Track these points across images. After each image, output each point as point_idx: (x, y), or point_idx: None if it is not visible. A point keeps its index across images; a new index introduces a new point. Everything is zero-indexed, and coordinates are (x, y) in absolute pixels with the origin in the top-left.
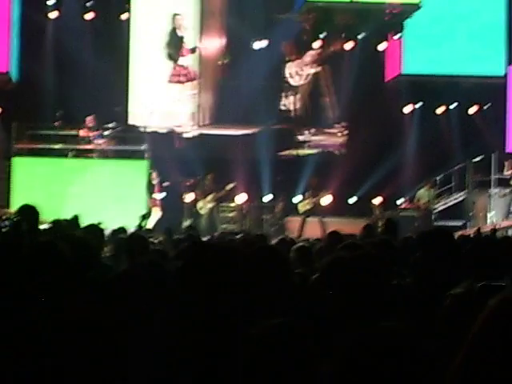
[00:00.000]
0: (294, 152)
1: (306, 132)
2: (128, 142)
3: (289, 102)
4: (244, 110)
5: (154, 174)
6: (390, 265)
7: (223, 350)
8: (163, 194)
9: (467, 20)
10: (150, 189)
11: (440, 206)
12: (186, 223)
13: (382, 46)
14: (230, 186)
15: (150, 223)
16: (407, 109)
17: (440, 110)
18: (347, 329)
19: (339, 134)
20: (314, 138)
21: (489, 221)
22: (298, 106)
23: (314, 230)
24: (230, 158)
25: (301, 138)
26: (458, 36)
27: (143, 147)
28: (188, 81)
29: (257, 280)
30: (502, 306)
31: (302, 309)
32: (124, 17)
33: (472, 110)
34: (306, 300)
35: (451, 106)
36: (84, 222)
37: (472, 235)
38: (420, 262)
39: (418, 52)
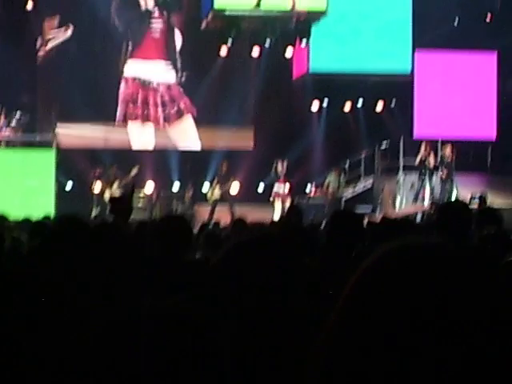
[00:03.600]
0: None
1: None
2: (35, 131)
3: None
4: None
5: (280, 164)
6: (296, 247)
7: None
8: (287, 186)
9: (373, 18)
10: (274, 179)
11: (349, 193)
12: (95, 213)
13: (288, 53)
14: (134, 170)
15: (274, 217)
16: (314, 106)
17: (347, 107)
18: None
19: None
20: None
21: (397, 206)
22: None
23: (224, 217)
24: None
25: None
26: (365, 34)
27: (51, 137)
28: None
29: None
30: (377, 261)
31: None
32: (29, 7)
33: (378, 107)
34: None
35: (357, 103)
36: None
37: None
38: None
39: (325, 50)
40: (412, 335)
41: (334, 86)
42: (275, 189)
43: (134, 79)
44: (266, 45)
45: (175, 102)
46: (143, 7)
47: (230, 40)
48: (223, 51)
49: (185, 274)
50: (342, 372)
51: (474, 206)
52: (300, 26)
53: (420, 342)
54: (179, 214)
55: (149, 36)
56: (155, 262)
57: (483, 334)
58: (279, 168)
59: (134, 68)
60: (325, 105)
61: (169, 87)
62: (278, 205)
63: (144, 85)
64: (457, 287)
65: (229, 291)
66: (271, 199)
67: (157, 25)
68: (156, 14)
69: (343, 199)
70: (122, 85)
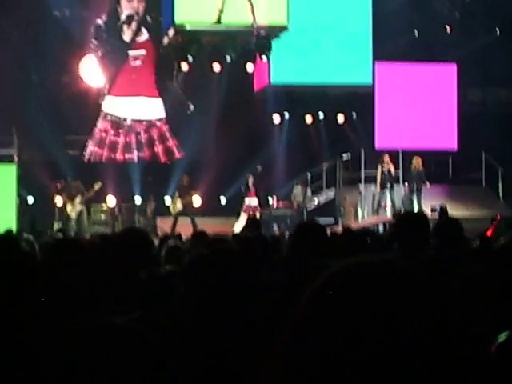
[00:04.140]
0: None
1: None
2: None
3: None
4: None
5: (251, 177)
6: (256, 260)
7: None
8: (255, 200)
9: (333, 30)
10: (243, 192)
11: (311, 204)
12: (56, 226)
13: (250, 67)
14: (98, 185)
15: (236, 229)
16: (276, 118)
17: (308, 119)
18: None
19: None
20: None
21: (359, 217)
22: None
23: (186, 229)
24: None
25: None
26: (325, 46)
27: (12, 151)
28: None
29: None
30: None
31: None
32: None
33: (340, 118)
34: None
35: (319, 115)
36: None
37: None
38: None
39: (286, 62)
40: (360, 352)
41: (296, 98)
42: (246, 202)
43: (110, 117)
44: (228, 59)
45: (154, 144)
46: (127, 38)
47: (191, 55)
48: (184, 66)
49: (145, 288)
50: None
51: (435, 217)
52: (261, 40)
53: (368, 358)
54: (140, 227)
55: (128, 69)
56: (116, 275)
57: (428, 350)
58: (250, 182)
59: (112, 105)
60: (286, 117)
61: (151, 126)
62: (242, 215)
63: (119, 124)
64: (404, 305)
65: (188, 305)
66: (242, 212)
67: (138, 58)
68: (139, 46)
69: (306, 211)
70: (99, 122)
